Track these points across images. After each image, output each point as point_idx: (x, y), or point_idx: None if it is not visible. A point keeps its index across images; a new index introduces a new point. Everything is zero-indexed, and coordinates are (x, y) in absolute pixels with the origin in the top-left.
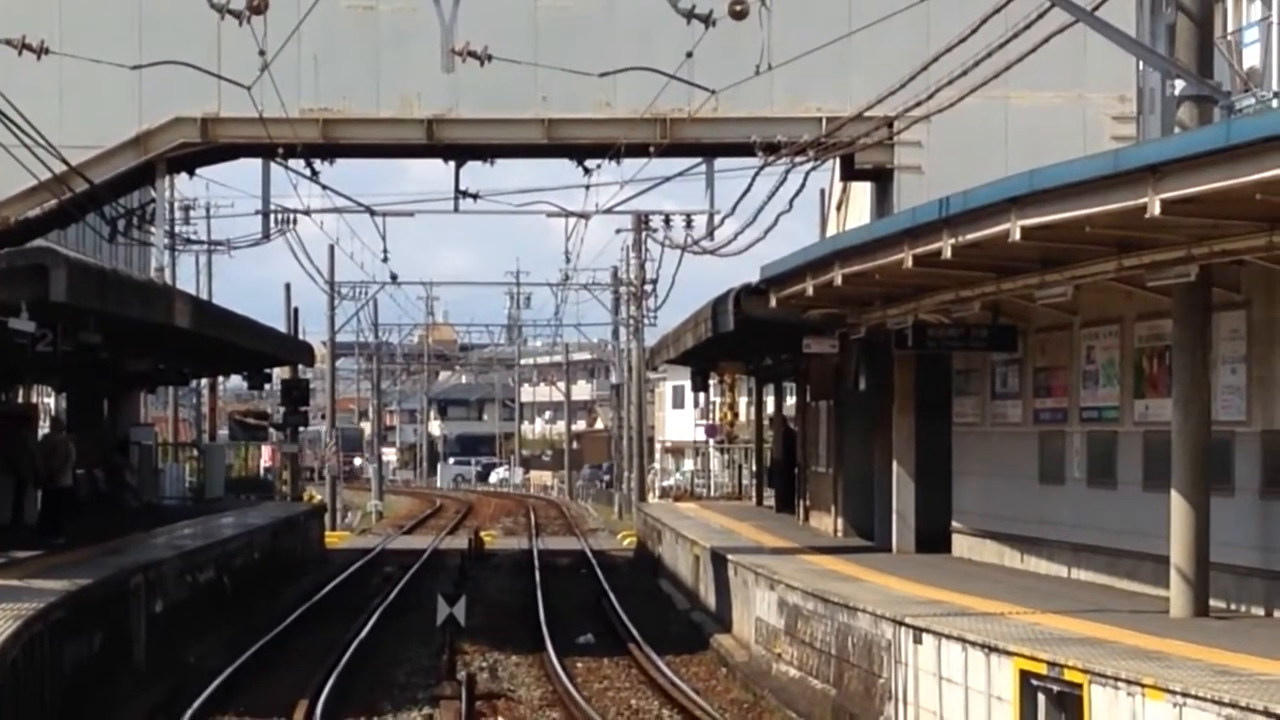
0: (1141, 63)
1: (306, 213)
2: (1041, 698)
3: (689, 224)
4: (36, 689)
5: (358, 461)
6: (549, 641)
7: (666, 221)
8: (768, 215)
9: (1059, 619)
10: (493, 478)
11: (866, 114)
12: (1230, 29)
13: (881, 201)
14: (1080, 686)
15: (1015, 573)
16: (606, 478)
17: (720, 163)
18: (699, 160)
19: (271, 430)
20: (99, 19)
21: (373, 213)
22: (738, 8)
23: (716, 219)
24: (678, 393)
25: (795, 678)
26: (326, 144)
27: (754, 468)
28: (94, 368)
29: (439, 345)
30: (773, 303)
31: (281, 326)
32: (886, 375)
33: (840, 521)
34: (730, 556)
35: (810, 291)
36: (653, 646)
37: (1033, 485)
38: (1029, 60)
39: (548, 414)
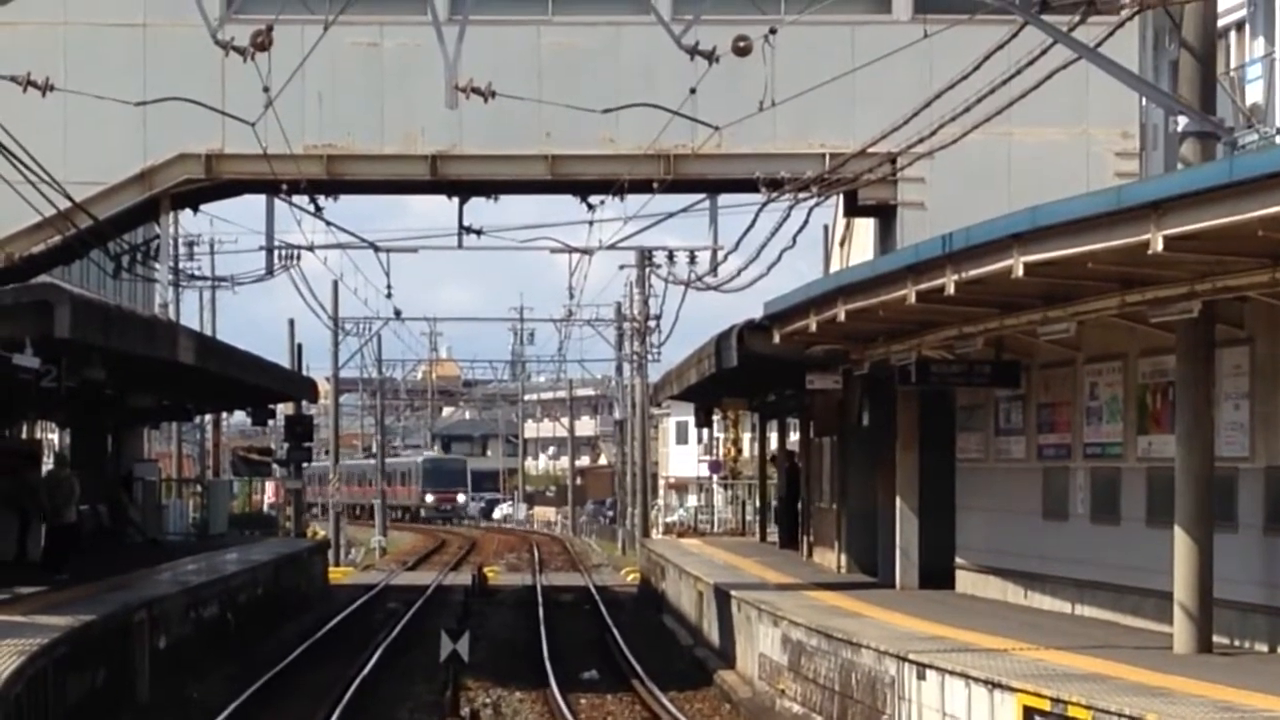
0: (1144, 99)
1: (310, 249)
2: None
3: (693, 260)
4: None
5: (461, 499)
6: (552, 677)
7: (670, 257)
8: (771, 251)
9: (1062, 655)
10: (496, 513)
11: (870, 150)
12: (1233, 65)
13: (885, 237)
14: None
15: (1019, 609)
16: (610, 513)
17: (724, 199)
18: (703, 196)
19: (275, 466)
20: (103, 55)
21: (377, 249)
22: (741, 44)
23: (720, 255)
24: (681, 428)
25: (799, 714)
26: (330, 180)
27: (758, 504)
28: (98, 404)
29: (443, 381)
30: (776, 339)
31: (285, 362)
32: (890, 411)
33: (844, 557)
34: (734, 592)
35: (814, 327)
36: (656, 682)
37: (1036, 521)
38: (1032, 97)
39: (551, 449)
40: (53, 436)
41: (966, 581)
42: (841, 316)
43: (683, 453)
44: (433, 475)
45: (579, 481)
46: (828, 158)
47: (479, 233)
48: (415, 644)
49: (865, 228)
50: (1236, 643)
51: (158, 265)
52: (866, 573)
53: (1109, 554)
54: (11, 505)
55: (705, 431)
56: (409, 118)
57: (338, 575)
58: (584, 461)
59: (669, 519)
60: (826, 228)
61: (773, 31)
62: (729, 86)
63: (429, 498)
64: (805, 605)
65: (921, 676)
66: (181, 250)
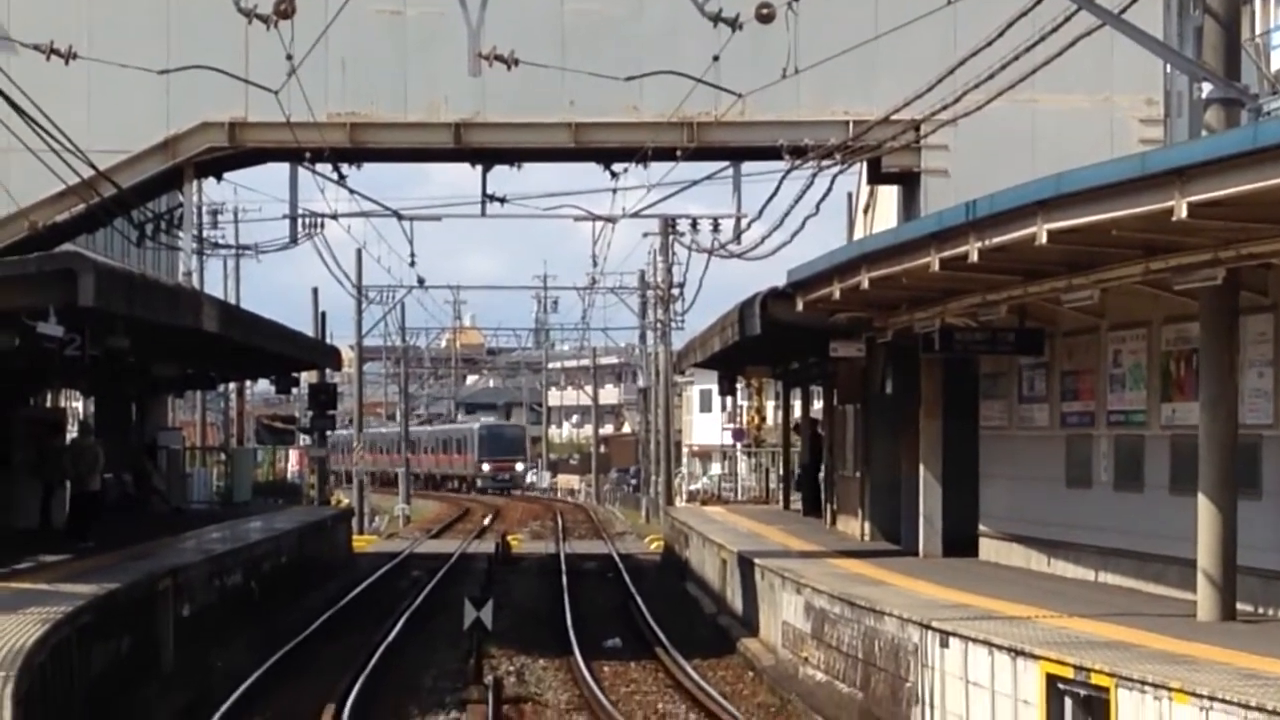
0: (1169, 65)
1: (334, 217)
2: (1068, 701)
3: (716, 227)
4: (64, 693)
5: (519, 467)
6: (576, 645)
7: (693, 225)
8: (795, 219)
9: (1086, 623)
10: None
11: (893, 117)
12: (1258, 31)
13: (908, 205)
14: (1107, 690)
15: (1042, 576)
16: (634, 481)
17: (747, 166)
18: (726, 164)
19: (299, 434)
20: (126, 23)
21: (400, 217)
22: (764, 11)
23: (743, 222)
24: (705, 396)
25: (822, 681)
26: (354, 148)
27: (781, 472)
28: (122, 372)
29: (466, 349)
30: (799, 306)
31: (309, 330)
32: (913, 379)
33: (867, 525)
34: (757, 560)
35: (837, 295)
36: (680, 650)
37: (1060, 489)
38: (1056, 63)
39: (575, 418)
40: (77, 405)
41: (990, 549)
42: (865, 284)
43: (706, 420)
44: (489, 443)
45: (603, 449)
46: (851, 125)
47: (502, 200)
48: (439, 612)
49: (889, 195)
50: (1260, 610)
51: (181, 233)
52: (890, 540)
53: (1132, 521)
54: (35, 473)
55: (729, 399)
56: (432, 85)
57: (361, 543)
58: (607, 429)
59: (692, 487)
60: (850, 195)
61: None
62: (752, 54)
63: (485, 466)
64: (828, 573)
65: (945, 644)
66: (205, 218)
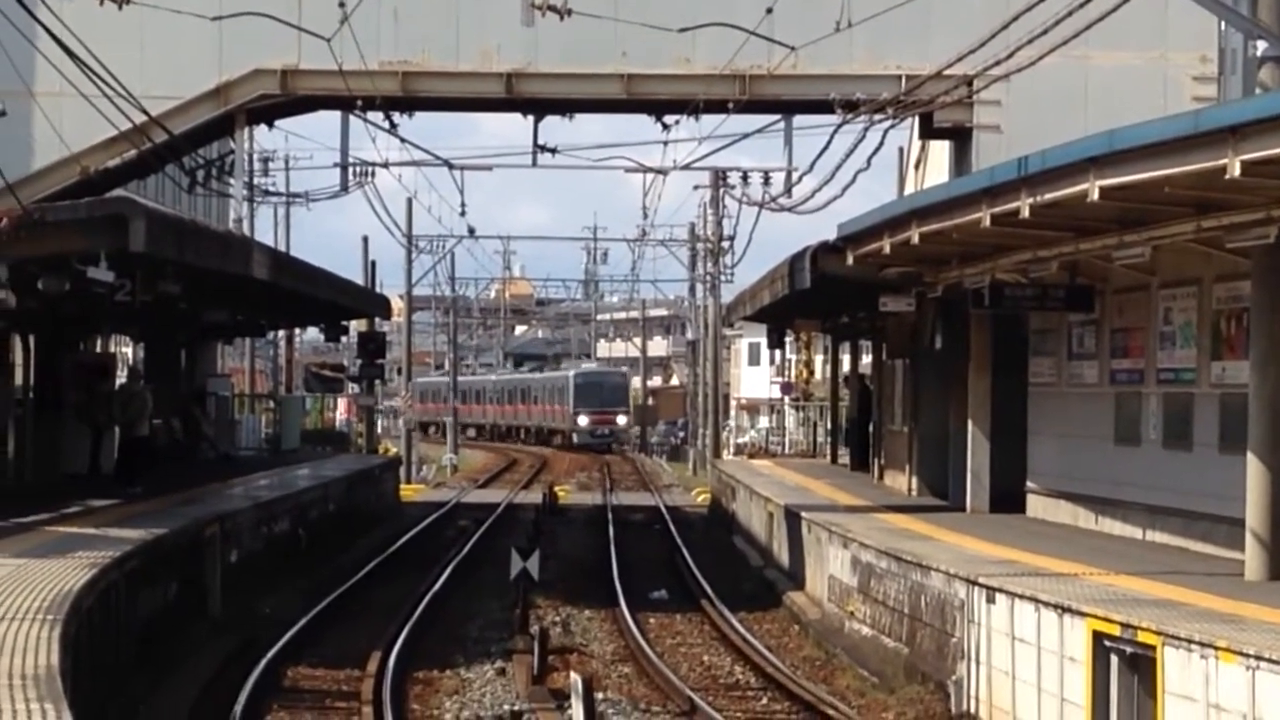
0: (1223, 23)
1: (385, 165)
2: (1114, 659)
3: (767, 181)
4: (112, 637)
5: (621, 420)
6: (622, 596)
7: (744, 178)
8: (846, 173)
9: (1133, 580)
10: None
11: (946, 72)
12: None
13: (960, 160)
14: (1153, 648)
15: (1089, 534)
16: (681, 434)
17: (799, 120)
18: (777, 117)
19: (348, 382)
20: None
21: (451, 166)
22: None
23: (794, 176)
24: (754, 350)
25: (868, 636)
26: (405, 97)
27: (829, 426)
28: (172, 318)
29: (515, 300)
30: (850, 260)
31: (359, 279)
32: (963, 334)
33: (915, 480)
34: (804, 514)
35: (887, 250)
36: (725, 603)
37: (1108, 446)
38: (1109, 20)
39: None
40: (126, 350)
41: (1037, 506)
42: (915, 239)
43: (755, 374)
44: (585, 393)
45: (650, 401)
46: (903, 79)
47: (553, 151)
48: (485, 561)
49: (940, 150)
50: None
51: (232, 180)
52: (937, 496)
53: (1181, 480)
54: (84, 418)
55: (777, 353)
56: (484, 35)
57: (409, 492)
58: (656, 381)
59: (740, 440)
60: (901, 150)
61: None
62: (805, 7)
63: (581, 420)
64: (875, 527)
65: (991, 600)
66: (256, 166)
